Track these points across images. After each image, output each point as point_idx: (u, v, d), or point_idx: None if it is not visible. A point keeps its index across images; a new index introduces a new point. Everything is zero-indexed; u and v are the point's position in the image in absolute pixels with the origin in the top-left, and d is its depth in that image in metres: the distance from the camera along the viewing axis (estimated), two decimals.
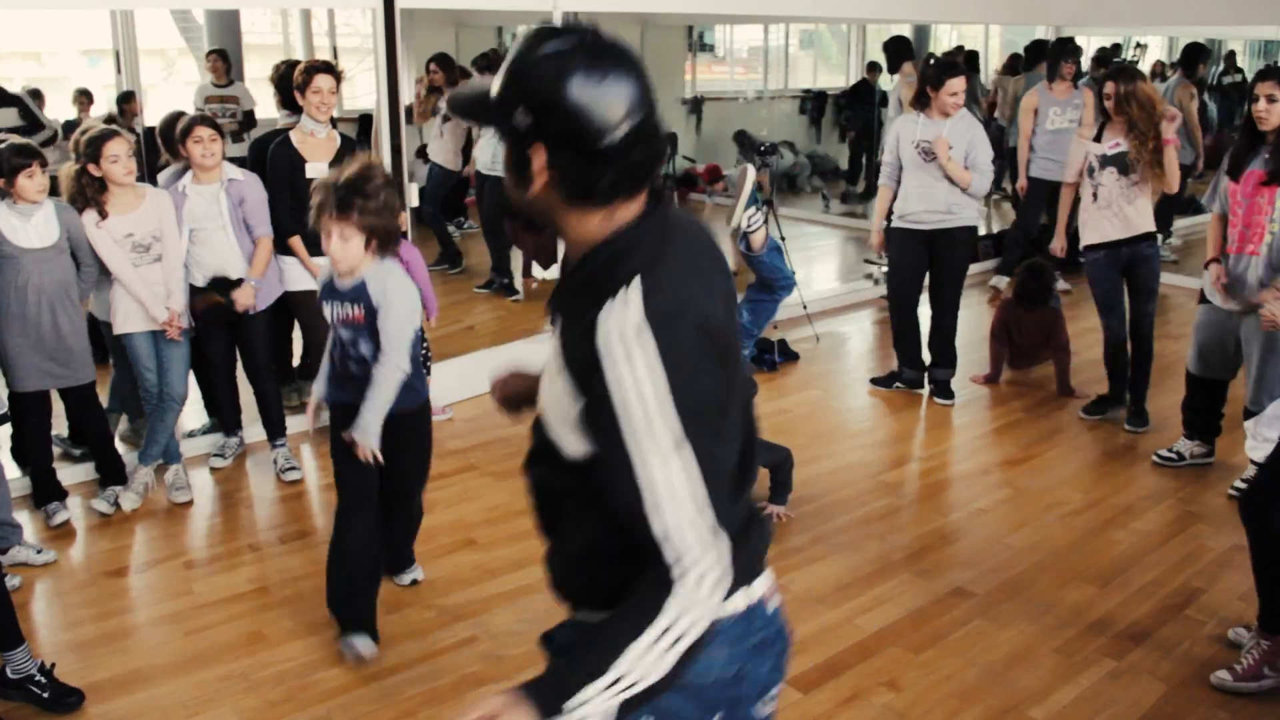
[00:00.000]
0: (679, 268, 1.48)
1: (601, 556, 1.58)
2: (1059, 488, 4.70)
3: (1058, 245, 5.74)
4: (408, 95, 9.58)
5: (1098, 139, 5.16)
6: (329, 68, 4.69)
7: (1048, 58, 7.80)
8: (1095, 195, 5.12)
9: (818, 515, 4.35)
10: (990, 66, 11.36)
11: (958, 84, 5.29)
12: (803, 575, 3.91)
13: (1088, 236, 5.19)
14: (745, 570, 1.58)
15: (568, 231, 1.51)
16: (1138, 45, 11.66)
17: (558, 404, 1.58)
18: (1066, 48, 7.59)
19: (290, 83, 4.97)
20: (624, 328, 1.39)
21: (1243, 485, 4.38)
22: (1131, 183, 5.04)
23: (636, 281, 1.42)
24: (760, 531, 1.74)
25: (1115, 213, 5.09)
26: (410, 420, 3.43)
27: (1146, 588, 3.85)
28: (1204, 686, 3.27)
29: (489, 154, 7.24)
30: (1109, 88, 5.06)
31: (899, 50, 8.95)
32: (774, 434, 4.59)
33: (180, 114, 4.91)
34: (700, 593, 1.43)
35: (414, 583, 3.84)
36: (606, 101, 1.39)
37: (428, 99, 7.81)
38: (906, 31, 11.21)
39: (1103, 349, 5.41)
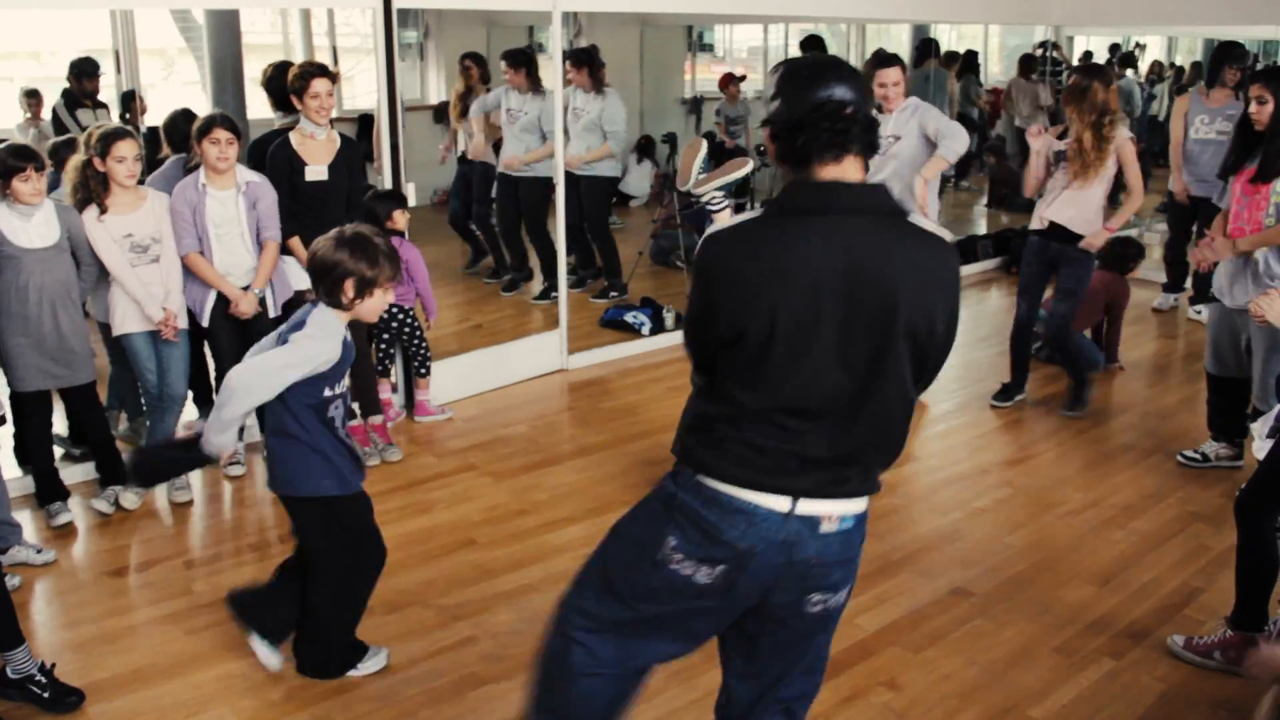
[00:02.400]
0: (759, 232, 2.02)
1: None
2: (1058, 487, 4.70)
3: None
4: (437, 95, 9.61)
5: (1062, 136, 5.18)
6: (325, 71, 4.67)
7: (1210, 61, 7.20)
8: (1046, 187, 5.21)
9: None
10: (990, 67, 11.37)
11: (887, 75, 5.23)
12: None
13: (1031, 221, 5.31)
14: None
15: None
16: (1137, 45, 11.67)
17: None
18: (1233, 53, 6.93)
19: (280, 84, 4.98)
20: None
21: None
22: (1078, 187, 5.05)
23: (752, 214, 2.06)
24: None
25: (1057, 205, 5.12)
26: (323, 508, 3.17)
27: (1146, 587, 3.86)
28: (1203, 686, 3.28)
29: (520, 154, 7.19)
30: (1073, 79, 5.09)
31: (814, 48, 9.22)
32: None
33: (188, 111, 4.91)
34: None
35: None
36: (798, 97, 2.02)
37: (463, 97, 7.73)
38: (906, 31, 11.23)
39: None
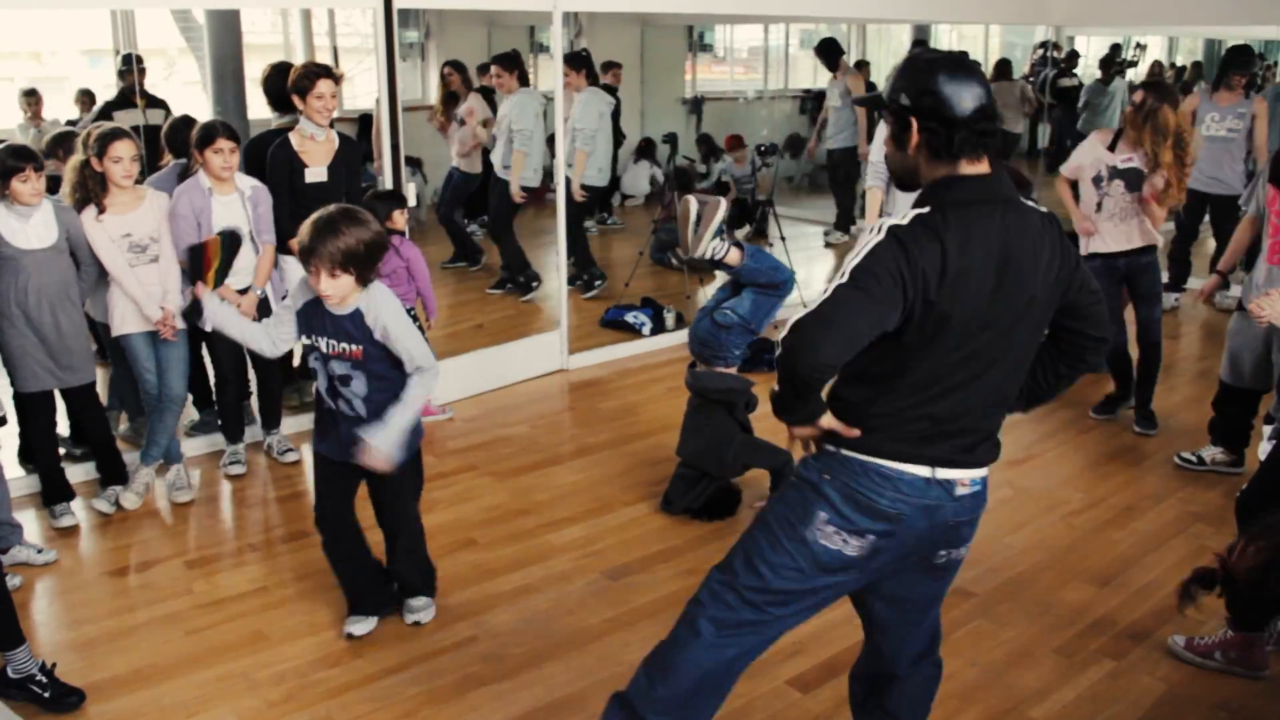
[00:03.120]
0: (946, 228, 2.13)
1: None
2: (1059, 488, 4.70)
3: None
4: (433, 95, 9.60)
5: (1112, 147, 5.10)
6: (329, 72, 4.67)
7: (1219, 66, 7.38)
8: (1100, 205, 5.10)
9: None
10: (989, 67, 11.35)
11: None
12: None
13: (1088, 244, 5.16)
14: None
15: (924, 179, 2.25)
16: (1138, 45, 11.66)
17: None
18: (1238, 59, 7.17)
19: (279, 85, 4.97)
20: (882, 226, 2.17)
21: None
22: (1138, 199, 5.01)
23: (924, 211, 2.16)
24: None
25: (1117, 225, 5.07)
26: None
27: (1146, 588, 3.85)
28: (1204, 686, 3.28)
29: (500, 156, 7.22)
30: (1138, 96, 4.99)
31: (832, 51, 9.17)
32: (774, 435, 4.58)
33: (189, 119, 4.91)
34: None
35: (416, 624, 3.59)
36: (959, 95, 2.16)
37: (445, 105, 7.76)
38: (906, 32, 11.23)
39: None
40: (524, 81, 7.07)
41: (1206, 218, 7.30)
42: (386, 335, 3.15)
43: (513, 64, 7.05)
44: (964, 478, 2.30)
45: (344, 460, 3.28)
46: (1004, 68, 10.23)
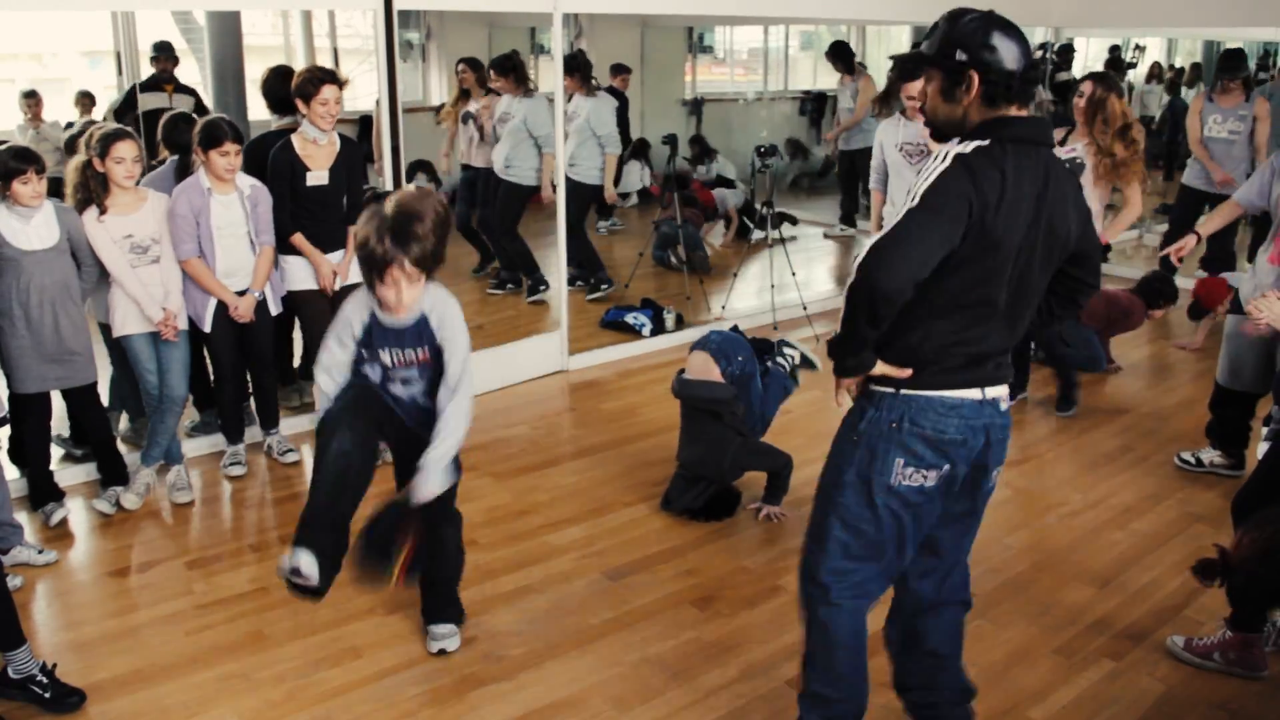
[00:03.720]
0: (1006, 159, 2.33)
1: None
2: (1058, 488, 4.70)
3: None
4: (439, 96, 9.61)
5: (1063, 142, 5.13)
6: (335, 77, 4.65)
7: (1215, 69, 7.51)
8: None
9: None
10: None
11: (914, 88, 5.11)
12: None
13: None
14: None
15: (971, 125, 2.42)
16: (1137, 47, 11.67)
17: None
18: (1227, 64, 7.26)
19: (278, 88, 4.97)
20: (948, 152, 2.36)
21: None
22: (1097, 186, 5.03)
23: (984, 142, 2.35)
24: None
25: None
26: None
27: (1146, 588, 3.86)
28: (1203, 687, 3.28)
29: (503, 157, 7.20)
30: (1085, 87, 5.06)
31: (844, 55, 9.21)
32: (775, 435, 4.59)
33: (186, 115, 4.91)
34: None
35: (441, 652, 3.44)
36: (1011, 47, 2.36)
37: (457, 103, 7.74)
38: (906, 34, 11.23)
39: None
40: (521, 84, 7.07)
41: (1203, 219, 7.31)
42: (445, 339, 2.99)
43: (506, 67, 7.07)
44: (1003, 394, 2.55)
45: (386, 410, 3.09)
46: None
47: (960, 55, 2.36)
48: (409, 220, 2.83)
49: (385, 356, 3.03)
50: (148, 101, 6.79)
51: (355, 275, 4.93)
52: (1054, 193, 2.41)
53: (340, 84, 4.66)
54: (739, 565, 4.02)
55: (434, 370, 3.03)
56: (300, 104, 4.61)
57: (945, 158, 2.34)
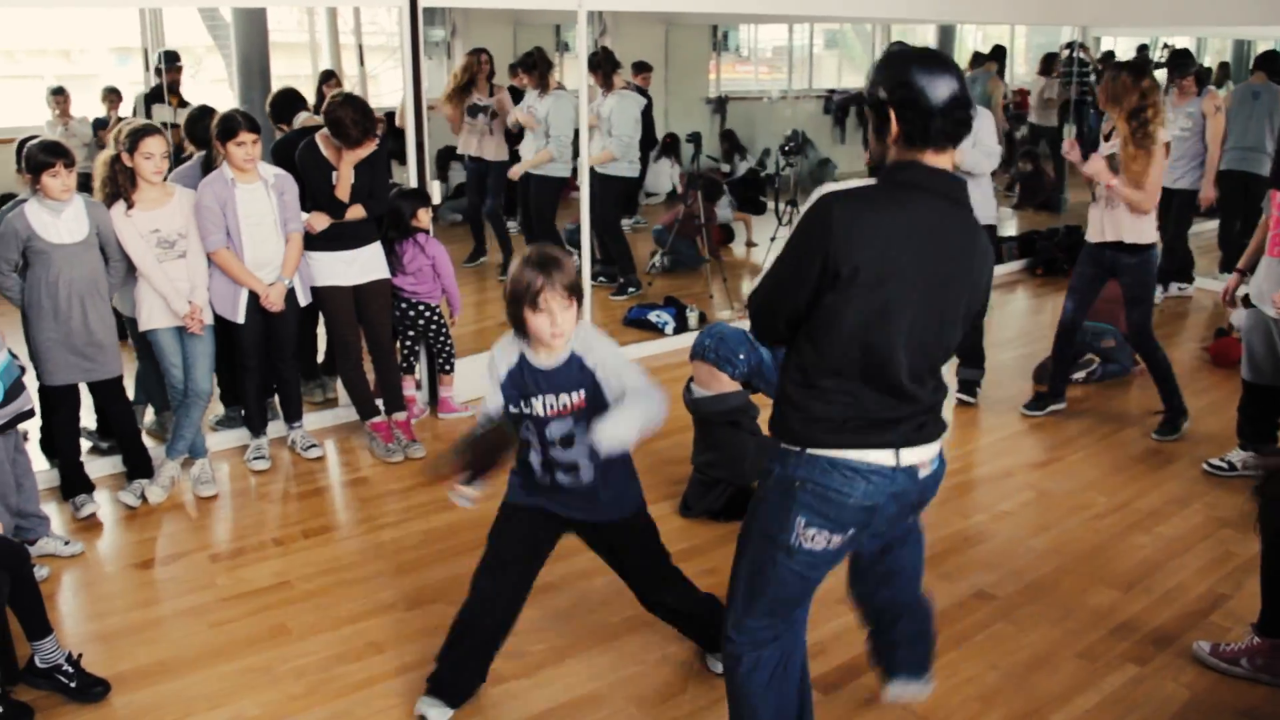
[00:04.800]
0: (882, 202, 2.27)
1: None
2: (1083, 491, 4.67)
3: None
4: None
5: (1108, 136, 5.11)
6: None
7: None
8: (1094, 195, 5.14)
9: None
10: (1015, 68, 11.31)
11: None
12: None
13: (1089, 231, 5.21)
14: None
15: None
16: (1165, 46, 11.58)
17: None
18: (1174, 63, 7.45)
19: (280, 108, 5.30)
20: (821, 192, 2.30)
21: None
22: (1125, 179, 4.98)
23: (866, 183, 2.32)
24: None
25: (1102, 212, 5.07)
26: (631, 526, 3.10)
27: (1171, 593, 3.82)
28: (1229, 693, 3.25)
29: (533, 152, 7.21)
30: (1105, 76, 5.05)
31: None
32: None
33: (209, 110, 4.94)
34: None
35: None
36: (934, 85, 2.25)
37: (459, 95, 7.71)
38: (931, 33, 11.17)
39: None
40: (544, 81, 7.07)
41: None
42: (607, 372, 2.82)
43: (531, 66, 7.07)
44: (926, 457, 2.42)
45: (552, 512, 3.01)
46: (1049, 62, 10.19)
47: (881, 93, 2.31)
48: (552, 254, 2.79)
49: (539, 405, 2.86)
50: (159, 114, 6.85)
51: (382, 270, 4.96)
52: (956, 246, 2.32)
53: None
54: None
55: (590, 417, 2.79)
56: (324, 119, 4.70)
57: (813, 198, 2.30)
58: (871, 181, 2.32)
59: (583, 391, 2.82)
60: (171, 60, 7.26)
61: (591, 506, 3.01)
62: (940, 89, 2.25)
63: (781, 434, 2.42)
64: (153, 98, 7.10)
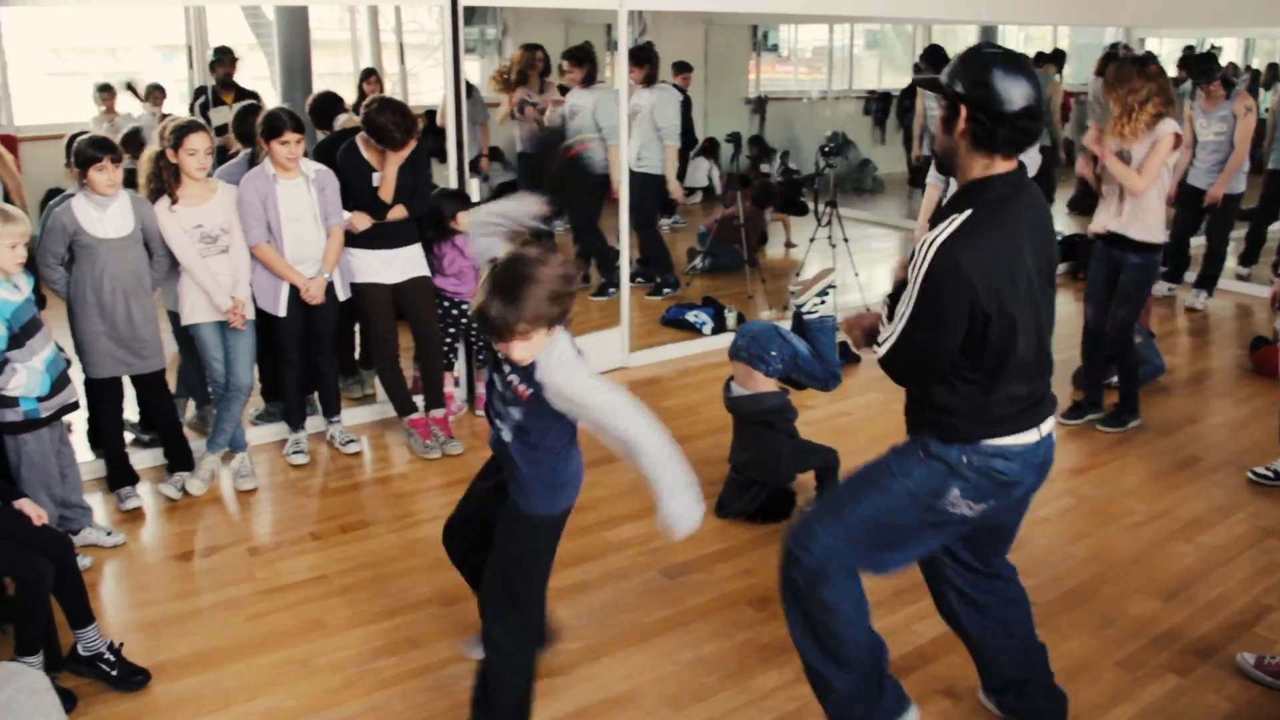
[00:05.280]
0: (988, 232, 2.34)
1: None
2: (1123, 498, 4.62)
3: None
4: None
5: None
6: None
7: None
8: (1100, 190, 5.20)
9: None
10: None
11: None
12: None
13: (1093, 225, 5.26)
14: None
15: (965, 170, 2.45)
16: (1213, 47, 11.44)
17: None
18: (1200, 69, 7.37)
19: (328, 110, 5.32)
20: (931, 241, 2.35)
21: None
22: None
23: (964, 216, 2.36)
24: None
25: (1106, 202, 5.10)
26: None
27: (1213, 603, 3.77)
28: (1274, 707, 3.20)
29: (635, 150, 7.17)
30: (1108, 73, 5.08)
31: (938, 59, 9.09)
32: (833, 437, 4.56)
33: (255, 108, 4.98)
34: None
35: None
36: (1011, 91, 2.31)
37: (516, 84, 7.71)
38: (973, 33, 11.10)
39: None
40: (592, 77, 7.07)
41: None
42: (560, 403, 2.61)
43: (581, 59, 7.04)
44: (1053, 424, 2.64)
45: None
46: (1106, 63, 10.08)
47: (958, 87, 2.37)
48: (511, 284, 2.52)
49: (498, 377, 2.75)
50: (215, 116, 6.92)
51: (422, 268, 4.99)
52: (1039, 226, 2.49)
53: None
54: None
55: (533, 413, 2.67)
56: (361, 121, 4.76)
57: (928, 250, 2.35)
58: (964, 211, 2.36)
59: (532, 390, 2.62)
60: (223, 54, 7.34)
61: (510, 472, 2.83)
62: (1017, 96, 2.31)
63: (945, 435, 2.56)
64: (210, 104, 7.15)
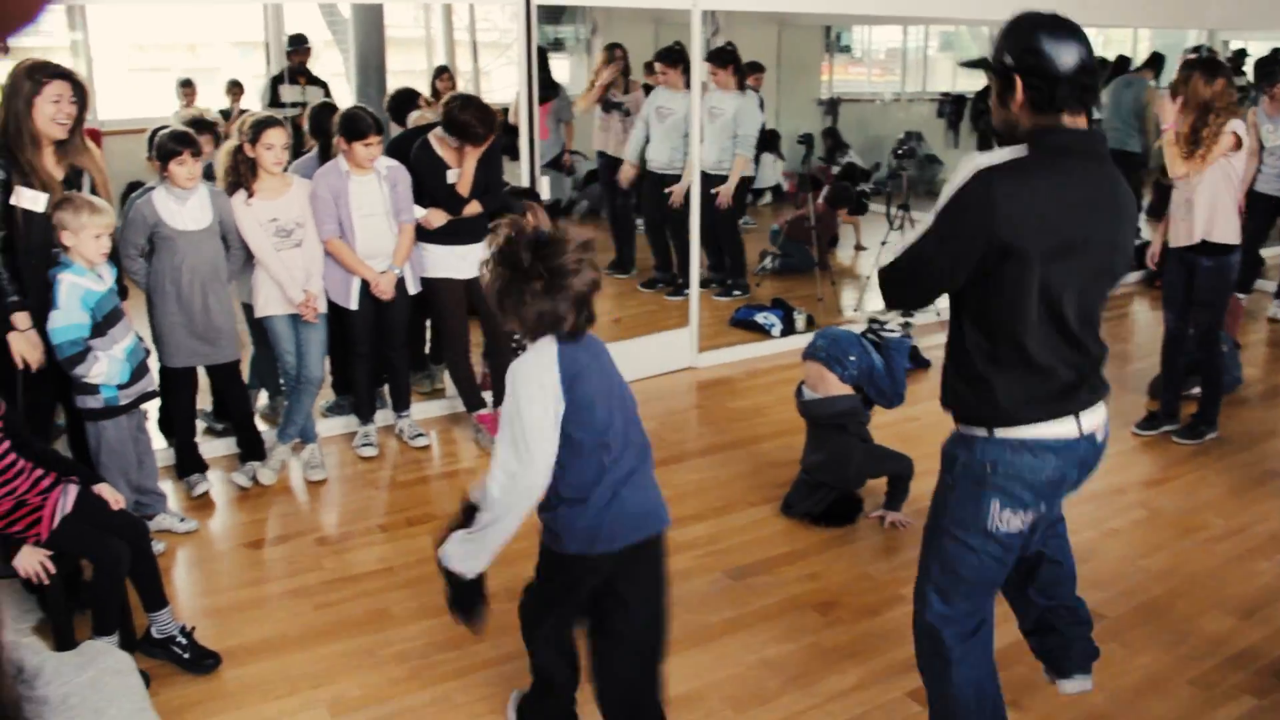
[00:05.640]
0: (1040, 171, 2.28)
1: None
2: (1200, 511, 4.51)
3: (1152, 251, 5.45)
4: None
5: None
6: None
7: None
8: (1170, 197, 5.09)
9: None
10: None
11: None
12: None
13: (1171, 236, 5.13)
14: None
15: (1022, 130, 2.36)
16: None
17: None
18: (1262, 72, 7.18)
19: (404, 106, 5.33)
20: (975, 165, 2.29)
21: None
22: (1188, 193, 4.90)
23: (1018, 152, 2.29)
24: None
25: (1183, 216, 4.98)
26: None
27: None
28: None
29: (666, 153, 7.16)
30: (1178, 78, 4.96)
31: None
32: (902, 442, 4.51)
33: (330, 106, 5.05)
34: None
35: None
36: (1061, 52, 2.28)
37: (607, 88, 7.72)
38: None
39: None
40: (686, 78, 7.01)
41: None
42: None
43: (675, 60, 7.01)
44: (1100, 422, 2.46)
45: None
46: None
47: (1007, 59, 2.35)
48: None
49: None
50: (286, 94, 7.05)
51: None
52: (1110, 206, 2.36)
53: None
54: (862, 572, 3.96)
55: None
56: (439, 114, 4.83)
57: (968, 173, 2.30)
58: (1021, 150, 2.30)
59: None
60: (299, 43, 7.46)
61: None
62: (1067, 56, 2.28)
63: (965, 418, 2.47)
64: (282, 79, 7.32)
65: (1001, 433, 2.39)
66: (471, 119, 4.64)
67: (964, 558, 2.49)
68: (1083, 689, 2.92)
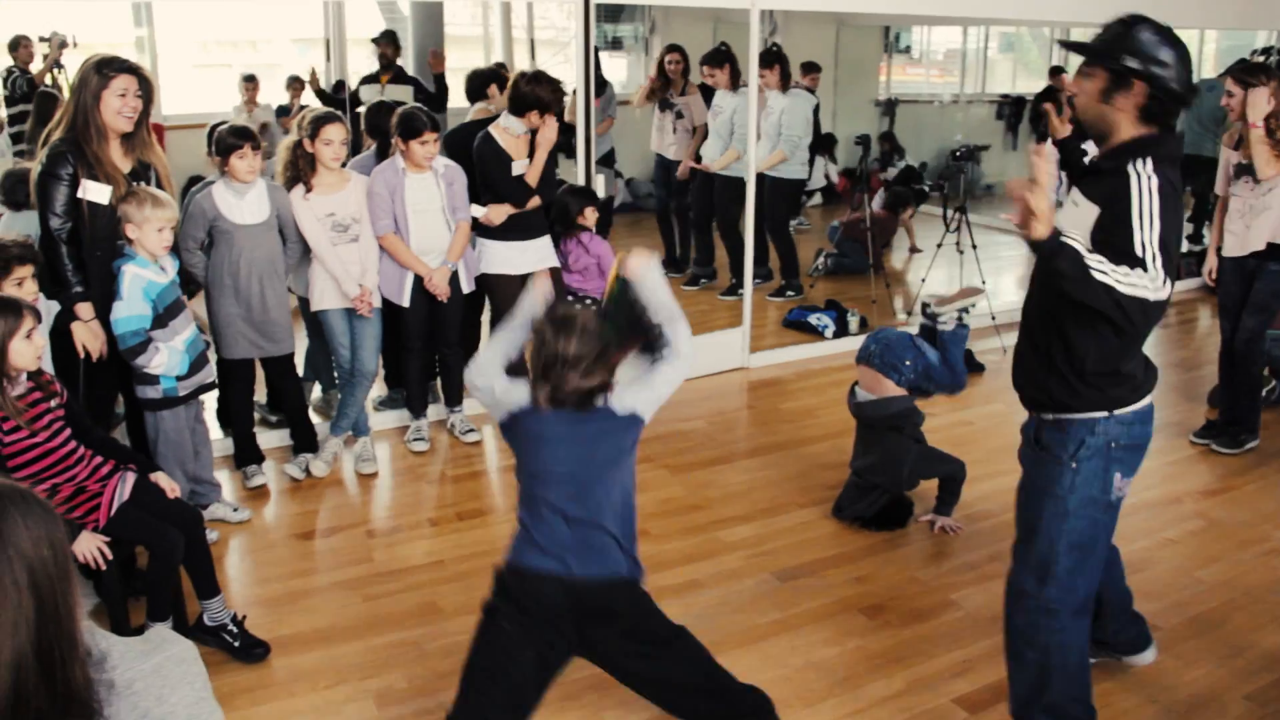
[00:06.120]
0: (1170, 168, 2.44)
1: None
2: (1259, 523, 4.41)
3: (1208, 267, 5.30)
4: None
5: (1237, 146, 4.90)
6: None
7: None
8: (1226, 205, 4.97)
9: (994, 532, 4.20)
10: (1204, 73, 10.74)
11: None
12: (976, 592, 3.79)
13: (1224, 247, 5.01)
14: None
15: (1119, 133, 2.50)
16: None
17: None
18: None
19: (482, 84, 5.29)
20: (1144, 168, 2.40)
21: None
22: (1262, 193, 4.77)
23: (1150, 158, 2.42)
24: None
25: (1244, 225, 4.86)
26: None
27: None
28: None
29: (716, 150, 7.13)
30: (1230, 86, 4.85)
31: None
32: (954, 446, 4.46)
33: (387, 104, 5.09)
34: None
35: None
36: (1181, 67, 2.42)
37: (660, 89, 7.71)
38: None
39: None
40: (736, 78, 6.99)
41: None
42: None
43: (721, 61, 7.00)
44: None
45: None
46: None
47: (1131, 62, 2.41)
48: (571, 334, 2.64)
49: None
50: (365, 95, 7.08)
51: (553, 260, 5.05)
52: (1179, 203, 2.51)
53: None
54: (911, 576, 3.92)
55: None
56: (507, 99, 4.82)
57: (1150, 176, 2.39)
58: (1149, 158, 2.43)
59: None
60: (389, 37, 7.50)
61: None
62: (1185, 71, 2.42)
63: (1085, 406, 2.60)
64: (367, 79, 7.36)
65: (1121, 411, 2.59)
66: (544, 92, 4.71)
67: (1093, 532, 2.66)
68: (1148, 660, 3.29)
